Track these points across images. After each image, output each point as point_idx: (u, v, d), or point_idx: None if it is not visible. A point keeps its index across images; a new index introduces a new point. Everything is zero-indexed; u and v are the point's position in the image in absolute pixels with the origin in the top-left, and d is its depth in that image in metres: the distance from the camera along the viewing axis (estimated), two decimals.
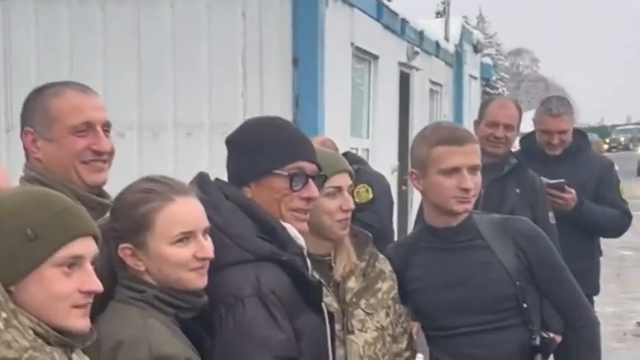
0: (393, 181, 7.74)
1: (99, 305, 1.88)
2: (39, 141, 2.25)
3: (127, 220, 1.91)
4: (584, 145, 4.46)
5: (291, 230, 2.16)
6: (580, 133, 4.52)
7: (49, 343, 1.59)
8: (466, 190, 2.50)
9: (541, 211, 3.79)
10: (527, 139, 4.51)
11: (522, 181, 3.88)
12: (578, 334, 2.63)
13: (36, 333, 1.57)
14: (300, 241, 2.18)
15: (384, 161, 7.75)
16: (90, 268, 1.63)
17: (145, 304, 1.89)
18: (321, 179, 2.28)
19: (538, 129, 4.34)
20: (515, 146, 4.43)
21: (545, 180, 3.98)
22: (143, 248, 1.90)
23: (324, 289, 2.50)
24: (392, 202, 4.82)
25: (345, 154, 3.84)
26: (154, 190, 1.92)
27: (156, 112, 6.10)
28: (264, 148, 2.18)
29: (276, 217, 2.16)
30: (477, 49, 14.17)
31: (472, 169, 2.52)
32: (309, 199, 2.20)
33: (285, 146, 2.20)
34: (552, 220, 3.81)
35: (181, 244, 1.90)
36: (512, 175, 3.89)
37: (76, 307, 1.61)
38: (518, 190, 3.84)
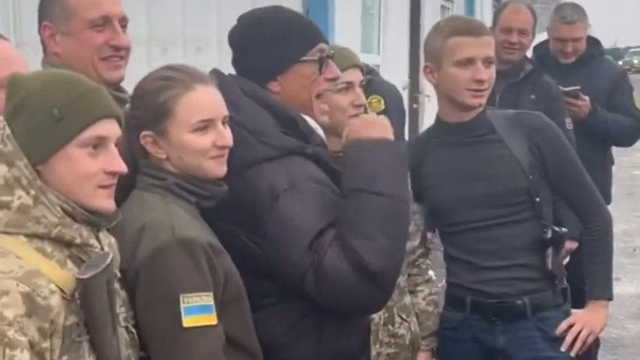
0: (403, 98, 7.70)
1: (121, 194, 1.90)
2: (57, 35, 2.24)
3: (148, 107, 1.92)
4: (598, 52, 4.41)
5: (312, 122, 2.15)
6: (593, 41, 4.46)
7: (75, 221, 1.62)
8: (480, 82, 2.49)
9: (557, 117, 3.74)
10: (540, 47, 4.48)
11: (538, 86, 3.88)
12: (590, 229, 2.66)
13: (64, 210, 1.60)
14: (320, 131, 2.18)
15: (395, 78, 7.64)
16: (114, 149, 1.65)
17: (166, 191, 1.91)
18: (332, 58, 2.23)
19: (552, 37, 4.30)
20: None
21: (562, 88, 3.97)
22: (164, 136, 1.91)
23: None
24: (404, 113, 4.80)
25: None
26: (174, 78, 1.92)
27: (165, 27, 6.04)
28: (285, 38, 2.12)
29: (297, 109, 2.13)
30: None
31: (486, 62, 2.51)
32: (334, 79, 2.18)
33: (304, 31, 2.15)
34: (569, 126, 3.81)
35: (201, 132, 1.91)
36: (527, 81, 3.89)
37: (102, 187, 1.64)
38: (533, 96, 3.84)
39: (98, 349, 1.60)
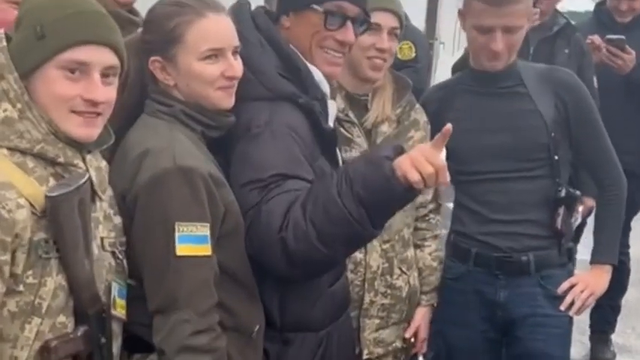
0: None
1: (129, 117, 1.90)
2: None
3: (158, 32, 1.88)
4: None
5: (317, 74, 2.09)
6: None
7: (60, 140, 1.60)
8: (495, 52, 2.48)
9: (586, 73, 3.73)
10: (601, 4, 4.40)
11: (571, 42, 3.86)
12: (604, 193, 2.65)
13: (48, 129, 1.59)
14: (324, 86, 2.11)
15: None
16: (96, 77, 1.61)
17: (173, 118, 1.89)
18: (366, 25, 2.17)
19: None
20: (564, 7, 4.32)
21: (607, 36, 3.92)
22: (172, 62, 1.88)
23: (357, 127, 2.50)
24: (431, 63, 4.77)
25: None
26: (186, 4, 1.88)
27: None
28: None
29: (303, 58, 2.08)
30: None
31: (508, 30, 2.47)
32: (342, 43, 2.10)
33: None
34: (595, 84, 3.75)
35: (210, 60, 1.87)
36: (561, 36, 3.88)
37: (76, 112, 1.60)
38: (567, 51, 3.82)
39: (67, 268, 1.58)
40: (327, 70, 2.12)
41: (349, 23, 2.08)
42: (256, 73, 2.00)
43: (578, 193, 2.60)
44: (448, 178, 1.79)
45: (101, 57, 1.61)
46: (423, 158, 1.75)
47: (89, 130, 1.63)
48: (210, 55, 1.87)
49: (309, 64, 2.09)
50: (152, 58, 1.89)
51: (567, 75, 2.65)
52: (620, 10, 4.17)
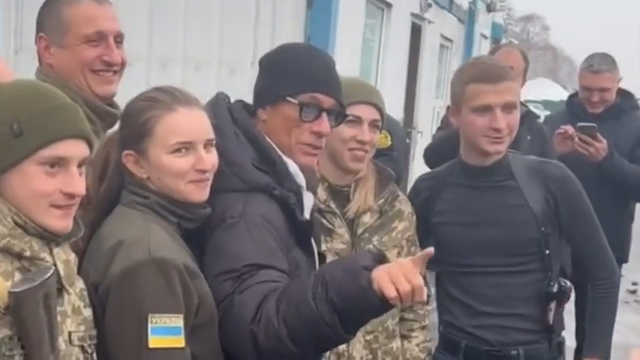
0: None
1: (107, 208, 1.92)
2: (52, 47, 2.27)
3: (131, 126, 1.92)
4: (629, 106, 4.34)
5: (292, 167, 2.11)
6: (626, 94, 4.39)
7: (28, 234, 1.59)
8: (498, 130, 2.47)
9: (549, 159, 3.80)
10: (573, 96, 4.47)
11: (533, 128, 3.90)
12: (597, 286, 2.62)
13: (15, 222, 1.58)
14: (300, 179, 2.13)
15: (390, 112, 7.71)
16: (75, 170, 1.61)
17: (148, 209, 1.91)
18: (341, 116, 2.18)
19: (580, 85, 4.29)
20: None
21: (579, 124, 3.94)
22: (144, 155, 1.91)
23: (338, 218, 2.52)
24: (408, 151, 4.84)
25: None
26: (157, 99, 1.92)
27: (165, 44, 6.05)
28: (284, 72, 2.11)
29: (279, 150, 2.10)
30: (490, 8, 14.04)
31: (506, 108, 2.48)
32: (318, 134, 2.10)
33: (304, 74, 2.10)
34: None
35: (180, 154, 1.90)
36: (522, 123, 3.87)
37: (56, 206, 1.60)
38: (529, 137, 3.84)
39: None
40: (304, 160, 2.13)
41: (324, 115, 2.10)
42: (231, 165, 2.02)
43: (569, 284, 2.58)
44: (425, 298, 1.79)
45: (78, 150, 1.62)
46: (402, 275, 1.73)
47: (67, 222, 1.63)
48: (180, 149, 1.90)
49: (284, 157, 2.11)
50: (125, 152, 1.92)
51: (557, 168, 2.63)
52: (591, 102, 4.20)
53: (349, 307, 1.78)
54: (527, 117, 3.89)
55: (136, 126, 1.91)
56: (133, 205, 1.92)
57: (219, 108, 2.12)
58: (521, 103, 4.02)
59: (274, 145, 2.10)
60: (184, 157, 1.90)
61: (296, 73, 2.11)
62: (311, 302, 1.80)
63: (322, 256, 2.27)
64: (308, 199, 2.18)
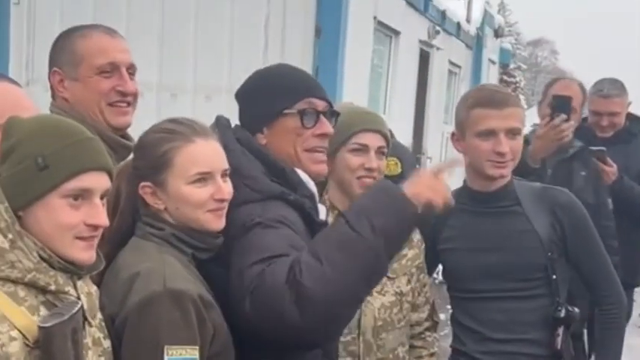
0: None
1: (120, 240, 1.94)
2: (66, 81, 2.30)
3: (148, 158, 1.95)
4: (638, 130, 4.34)
5: (302, 175, 2.14)
6: (635, 118, 4.40)
7: (52, 268, 1.61)
8: (501, 154, 2.50)
9: (602, 196, 3.79)
10: (583, 120, 4.40)
11: (588, 164, 3.86)
12: (604, 311, 2.63)
13: (40, 257, 1.60)
14: (311, 185, 2.16)
15: (399, 139, 7.73)
16: (98, 202, 1.65)
17: (163, 241, 1.93)
18: (334, 116, 2.22)
19: (589, 110, 4.29)
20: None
21: (588, 148, 3.91)
22: (162, 187, 1.94)
23: None
24: None
25: None
26: (175, 131, 1.95)
27: (176, 74, 6.11)
28: (271, 91, 2.14)
29: (285, 161, 2.13)
30: (497, 33, 14.08)
31: (510, 133, 2.50)
32: (322, 136, 2.15)
33: (291, 84, 2.15)
34: (610, 206, 3.80)
35: (199, 184, 1.93)
36: (577, 158, 3.85)
37: (80, 238, 1.63)
38: (583, 173, 3.82)
39: None
40: (316, 169, 2.17)
41: (322, 117, 2.15)
42: (244, 178, 2.05)
43: (577, 310, 2.58)
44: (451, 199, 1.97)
45: (101, 182, 1.66)
46: (432, 187, 1.94)
47: (91, 253, 1.66)
48: (200, 179, 1.93)
49: (295, 168, 2.13)
50: (142, 184, 1.95)
51: (563, 194, 2.65)
52: (601, 126, 4.21)
53: (391, 227, 1.87)
54: (582, 153, 3.85)
55: (154, 158, 1.93)
56: (148, 237, 1.94)
57: (223, 129, 2.16)
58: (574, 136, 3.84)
59: (281, 158, 2.13)
60: (203, 187, 1.93)
61: (285, 87, 2.15)
62: (351, 233, 1.85)
63: None
64: (322, 210, 2.22)
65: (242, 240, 1.96)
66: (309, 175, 2.16)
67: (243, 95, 2.21)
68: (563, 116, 3.43)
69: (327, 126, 2.15)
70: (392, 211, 1.87)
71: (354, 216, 1.87)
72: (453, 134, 2.63)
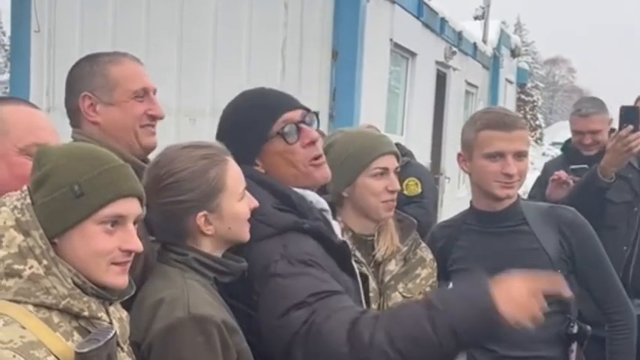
0: None
1: (145, 266, 1.97)
2: (97, 105, 2.33)
3: (198, 189, 1.96)
4: None
5: (310, 196, 2.15)
6: None
7: (86, 294, 1.63)
8: (509, 176, 2.52)
9: None
10: (568, 141, 4.52)
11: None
12: (614, 327, 2.64)
13: (74, 283, 1.61)
14: (322, 204, 2.17)
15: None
16: (132, 227, 1.67)
17: (186, 266, 1.95)
18: (316, 117, 2.21)
19: (571, 130, 4.35)
20: (549, 139, 4.43)
21: (571, 166, 3.99)
22: (217, 211, 1.96)
23: (364, 267, 2.54)
24: (437, 198, 4.88)
25: (397, 146, 3.94)
26: (212, 155, 1.98)
27: (194, 98, 6.17)
28: (246, 125, 2.15)
29: (291, 182, 2.14)
30: (514, 53, 14.11)
31: (517, 155, 2.53)
32: (311, 143, 2.15)
33: (261, 111, 2.15)
34: None
35: (243, 199, 2.00)
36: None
37: (115, 264, 1.65)
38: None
39: None
40: (320, 177, 2.19)
41: (302, 126, 2.16)
42: (255, 214, 2.05)
43: (589, 327, 2.59)
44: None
45: (135, 208, 1.68)
46: (525, 304, 1.90)
47: (124, 278, 1.68)
48: (244, 194, 2.00)
49: (299, 191, 2.14)
50: (199, 214, 1.95)
51: (570, 213, 2.67)
52: (584, 144, 4.23)
53: (473, 343, 1.88)
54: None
55: (206, 186, 1.95)
56: (172, 263, 1.96)
57: None
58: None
59: (286, 184, 2.14)
60: (244, 201, 2.00)
61: (256, 115, 2.15)
62: (432, 336, 1.82)
63: (364, 277, 2.33)
64: (336, 227, 2.23)
65: (267, 284, 1.97)
66: (317, 183, 2.18)
67: (223, 137, 2.18)
68: (630, 127, 3.45)
69: (311, 133, 2.16)
70: (480, 331, 1.85)
71: (439, 319, 1.83)
72: (459, 155, 2.66)
